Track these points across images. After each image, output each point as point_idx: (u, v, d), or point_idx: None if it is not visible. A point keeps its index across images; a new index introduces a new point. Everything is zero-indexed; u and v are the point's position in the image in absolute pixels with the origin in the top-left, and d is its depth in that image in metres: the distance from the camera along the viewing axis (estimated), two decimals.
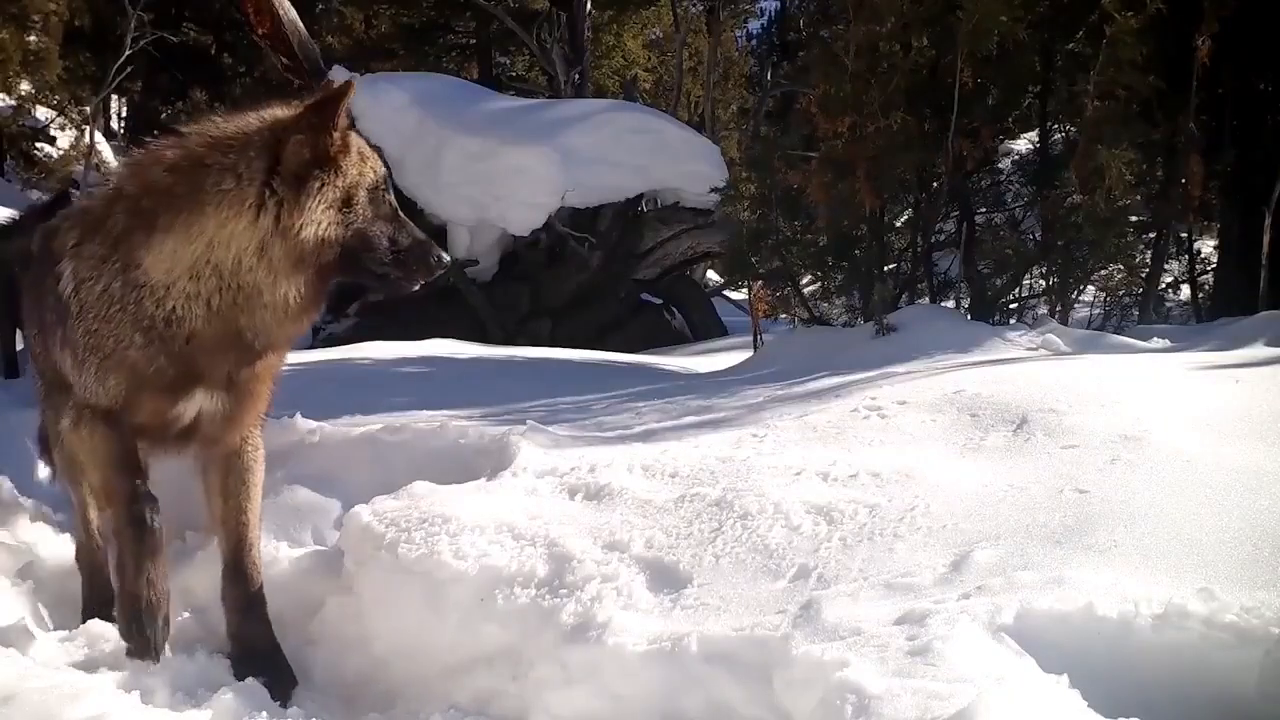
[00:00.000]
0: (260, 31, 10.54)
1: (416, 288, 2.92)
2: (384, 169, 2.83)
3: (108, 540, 3.12)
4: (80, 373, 2.77)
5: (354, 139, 2.75)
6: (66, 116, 16.03)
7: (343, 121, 2.67)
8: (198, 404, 2.79)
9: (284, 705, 2.78)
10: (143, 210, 2.65)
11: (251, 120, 2.70)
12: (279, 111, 2.72)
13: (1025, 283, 7.08)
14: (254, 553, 2.99)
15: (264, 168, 2.58)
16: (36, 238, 3.19)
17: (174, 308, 2.63)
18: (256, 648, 2.96)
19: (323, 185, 2.61)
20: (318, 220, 2.60)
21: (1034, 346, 5.51)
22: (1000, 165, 7.58)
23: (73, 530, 3.46)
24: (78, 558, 3.40)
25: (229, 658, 2.98)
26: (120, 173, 3.04)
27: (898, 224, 7.57)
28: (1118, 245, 6.62)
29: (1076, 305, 7.09)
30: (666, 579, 2.82)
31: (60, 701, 2.33)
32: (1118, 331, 6.48)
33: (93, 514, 3.27)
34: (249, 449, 3.00)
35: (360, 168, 2.72)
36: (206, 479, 3.04)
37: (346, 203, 2.66)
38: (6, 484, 4.08)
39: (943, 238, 7.24)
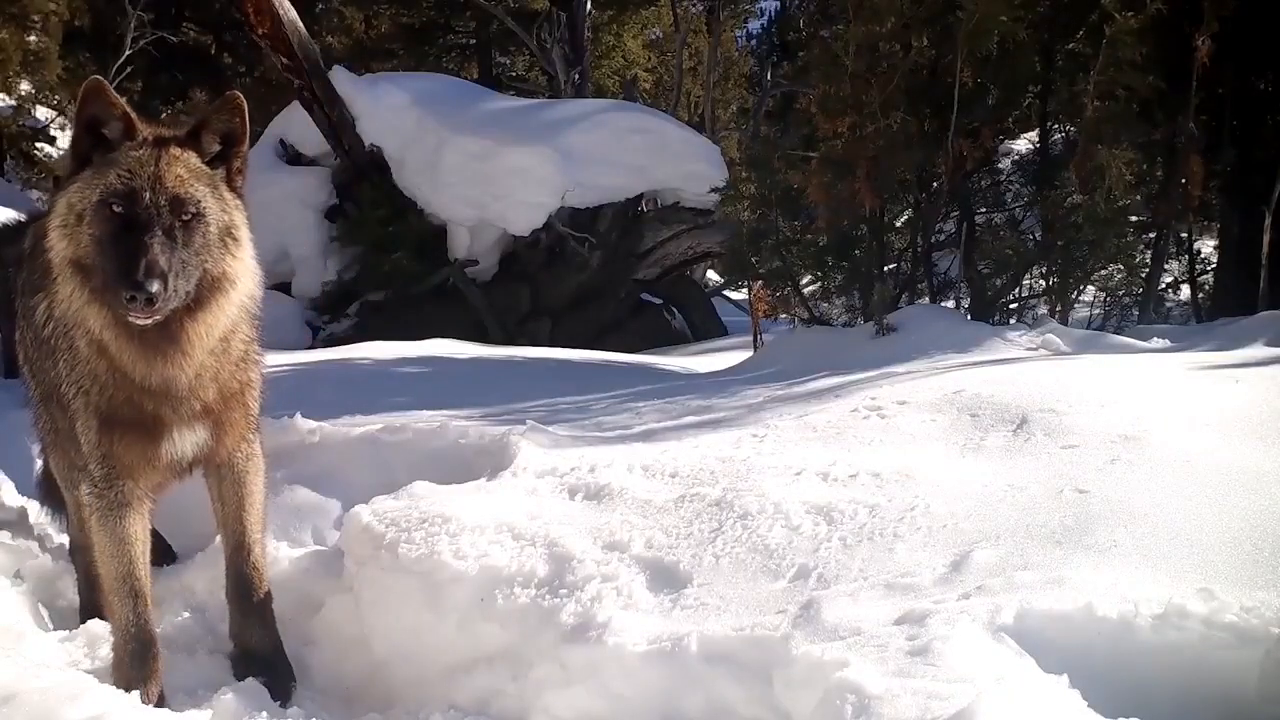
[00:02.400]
0: (260, 31, 10.52)
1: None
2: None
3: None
4: (72, 422, 2.72)
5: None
6: (66, 116, 16.02)
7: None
8: (186, 441, 2.75)
9: (284, 705, 2.78)
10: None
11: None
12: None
13: (1025, 283, 7.08)
14: (255, 555, 2.97)
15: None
16: (29, 236, 3.14)
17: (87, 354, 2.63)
18: (256, 648, 2.95)
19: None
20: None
21: (1034, 346, 5.51)
22: (1000, 165, 7.58)
23: (68, 530, 3.45)
24: (72, 557, 3.40)
25: (229, 657, 2.98)
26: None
27: (898, 224, 7.57)
28: (1118, 245, 6.62)
29: (1076, 305, 7.08)
30: (666, 579, 2.82)
31: (60, 701, 2.32)
32: (1118, 331, 6.48)
33: (88, 517, 3.24)
34: (240, 457, 2.96)
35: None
36: (208, 486, 3.03)
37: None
38: (7, 484, 4.08)
39: (943, 238, 7.24)
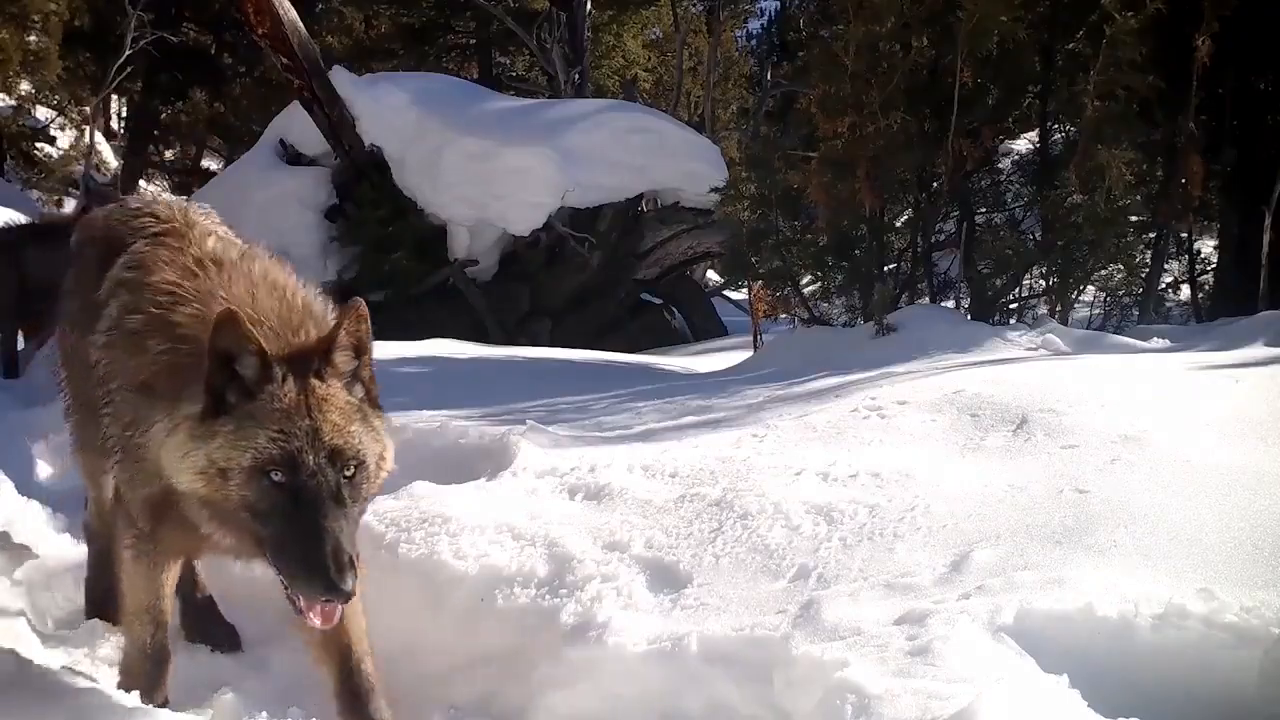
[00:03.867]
0: (260, 31, 10.52)
1: None
2: None
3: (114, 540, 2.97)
4: (114, 461, 2.58)
5: None
6: (66, 116, 16.03)
7: None
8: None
9: None
10: None
11: None
12: None
13: (1025, 283, 7.07)
14: (367, 668, 2.58)
15: None
16: (77, 233, 3.11)
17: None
18: None
19: None
20: None
21: (1034, 346, 5.51)
22: (1000, 165, 7.58)
23: (87, 517, 3.35)
24: (89, 540, 3.35)
25: None
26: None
27: (898, 224, 7.56)
28: (1118, 245, 6.62)
29: (1076, 305, 7.09)
30: (666, 579, 2.82)
31: (60, 701, 2.32)
32: (1118, 331, 6.48)
33: (122, 550, 2.99)
34: None
35: None
36: None
37: None
38: (7, 484, 4.08)
39: (943, 238, 7.24)
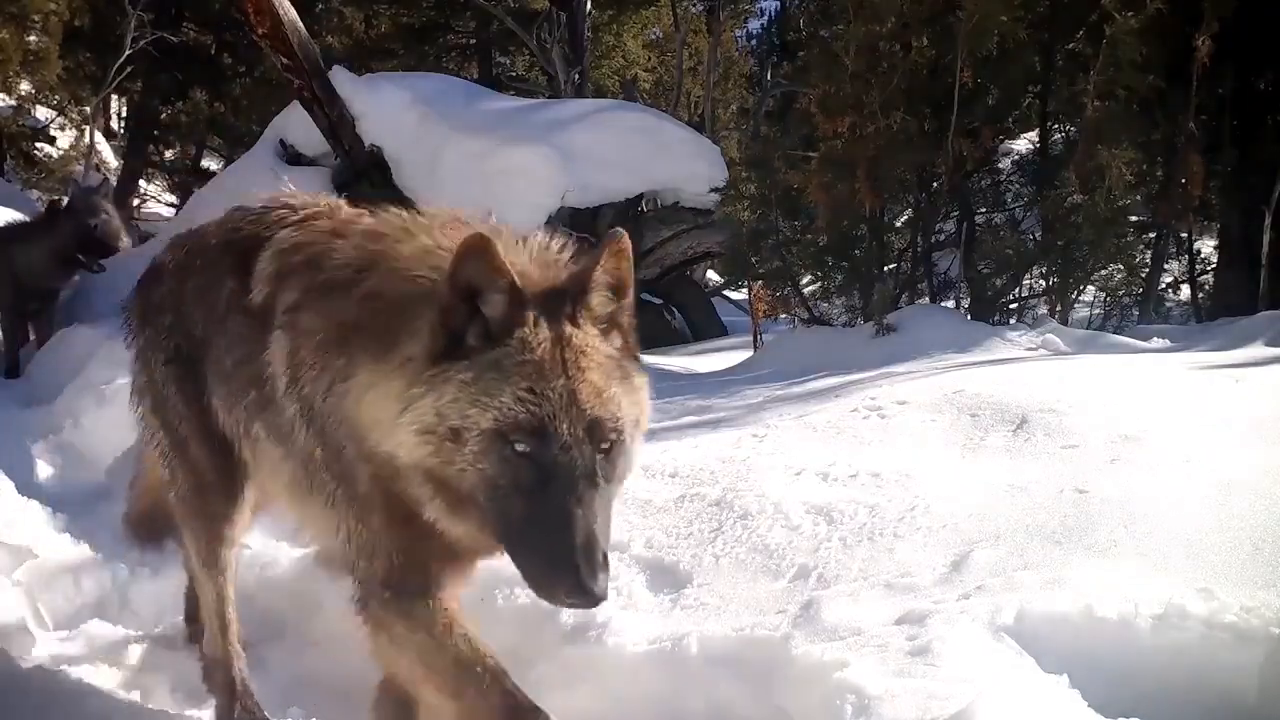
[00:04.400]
0: (260, 31, 10.51)
1: None
2: None
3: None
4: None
5: None
6: (66, 116, 16.02)
7: None
8: None
9: None
10: None
11: None
12: None
13: (1025, 283, 7.07)
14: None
15: None
16: (167, 254, 2.77)
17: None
18: None
19: None
20: None
21: (1034, 346, 5.51)
22: (1000, 165, 7.58)
23: (203, 641, 2.82)
24: (207, 674, 2.80)
25: None
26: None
27: (898, 224, 7.56)
28: (1118, 245, 6.62)
29: (1076, 305, 7.09)
30: (666, 579, 2.82)
31: (61, 701, 2.32)
32: (1118, 331, 6.47)
33: (231, 612, 2.71)
34: None
35: None
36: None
37: None
38: (7, 484, 4.07)
39: (943, 238, 7.24)
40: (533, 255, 2.04)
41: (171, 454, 2.67)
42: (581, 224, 11.88)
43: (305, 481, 2.23)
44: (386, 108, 11.65)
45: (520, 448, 1.80)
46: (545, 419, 1.80)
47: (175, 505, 2.71)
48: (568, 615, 2.66)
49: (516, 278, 1.85)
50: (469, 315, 1.86)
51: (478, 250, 1.82)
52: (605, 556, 1.78)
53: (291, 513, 2.54)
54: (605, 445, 1.84)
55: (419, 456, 1.87)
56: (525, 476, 1.80)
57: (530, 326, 1.85)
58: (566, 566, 1.74)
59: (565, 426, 1.81)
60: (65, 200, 7.71)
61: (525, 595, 2.79)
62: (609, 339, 1.94)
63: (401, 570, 2.06)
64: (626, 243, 1.94)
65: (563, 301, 1.90)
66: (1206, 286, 8.20)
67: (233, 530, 2.67)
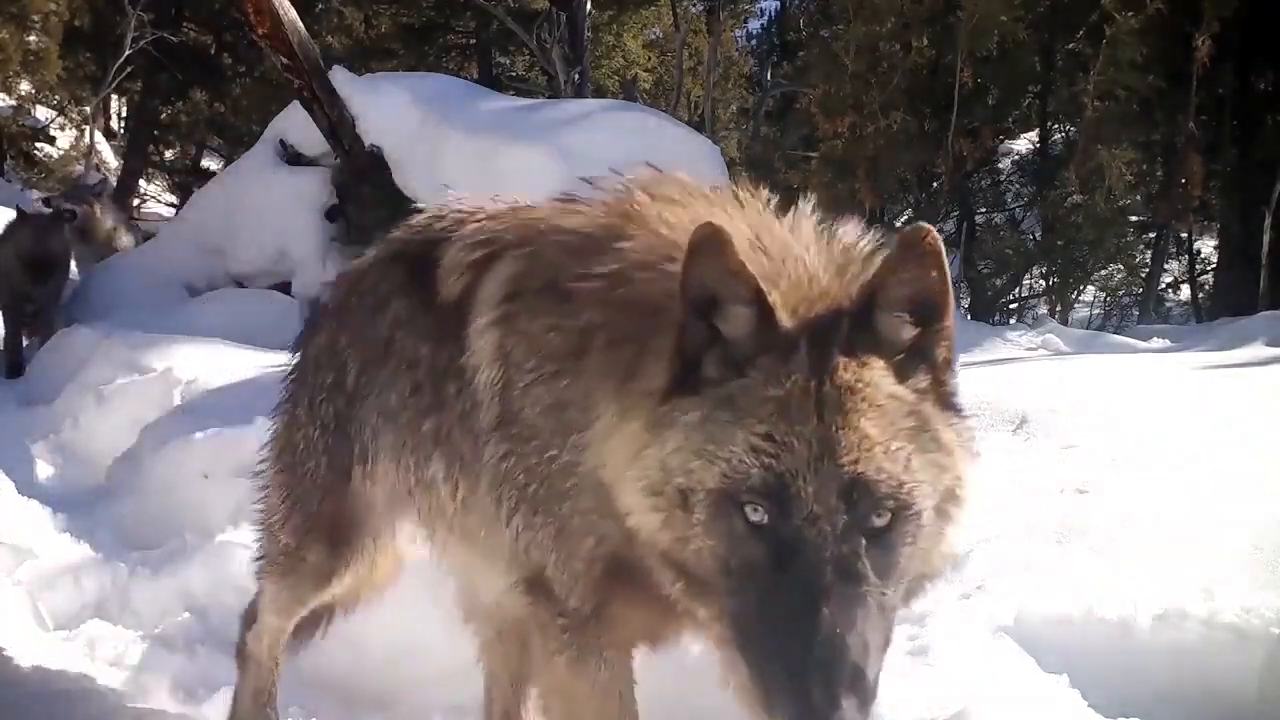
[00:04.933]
0: (260, 31, 10.51)
1: None
2: None
3: None
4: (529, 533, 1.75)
5: None
6: (66, 116, 16.02)
7: None
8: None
9: None
10: None
11: None
12: None
13: (1025, 283, 7.08)
14: None
15: None
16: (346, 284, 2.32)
17: None
18: None
19: None
20: None
21: (1034, 346, 5.51)
22: (1000, 165, 7.58)
23: (247, 640, 2.57)
24: (242, 664, 2.57)
25: None
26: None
27: (898, 224, 7.57)
28: (1118, 245, 6.64)
29: (1076, 305, 7.10)
30: None
31: (61, 701, 2.32)
32: (1118, 331, 6.48)
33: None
34: None
35: None
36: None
37: None
38: (7, 484, 4.08)
39: (943, 238, 7.24)
40: (811, 249, 1.58)
41: (291, 518, 2.32)
42: None
43: (492, 510, 1.82)
44: (386, 108, 11.65)
45: (753, 516, 1.36)
46: (785, 476, 1.34)
47: (265, 545, 2.44)
48: None
49: (765, 284, 1.40)
50: (707, 336, 1.43)
51: (709, 247, 1.39)
52: (858, 678, 1.30)
53: (453, 559, 2.22)
54: (876, 522, 1.35)
55: (650, 530, 1.46)
56: (759, 555, 1.35)
57: (782, 352, 1.39)
58: (791, 685, 1.28)
59: (811, 488, 1.33)
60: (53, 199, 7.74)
61: None
62: (906, 375, 1.42)
63: (602, 631, 1.74)
64: (936, 241, 1.39)
65: (836, 322, 1.41)
66: (1206, 286, 8.21)
67: (316, 599, 2.43)
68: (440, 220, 2.11)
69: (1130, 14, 5.98)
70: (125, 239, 10.24)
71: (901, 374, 1.43)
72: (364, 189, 11.68)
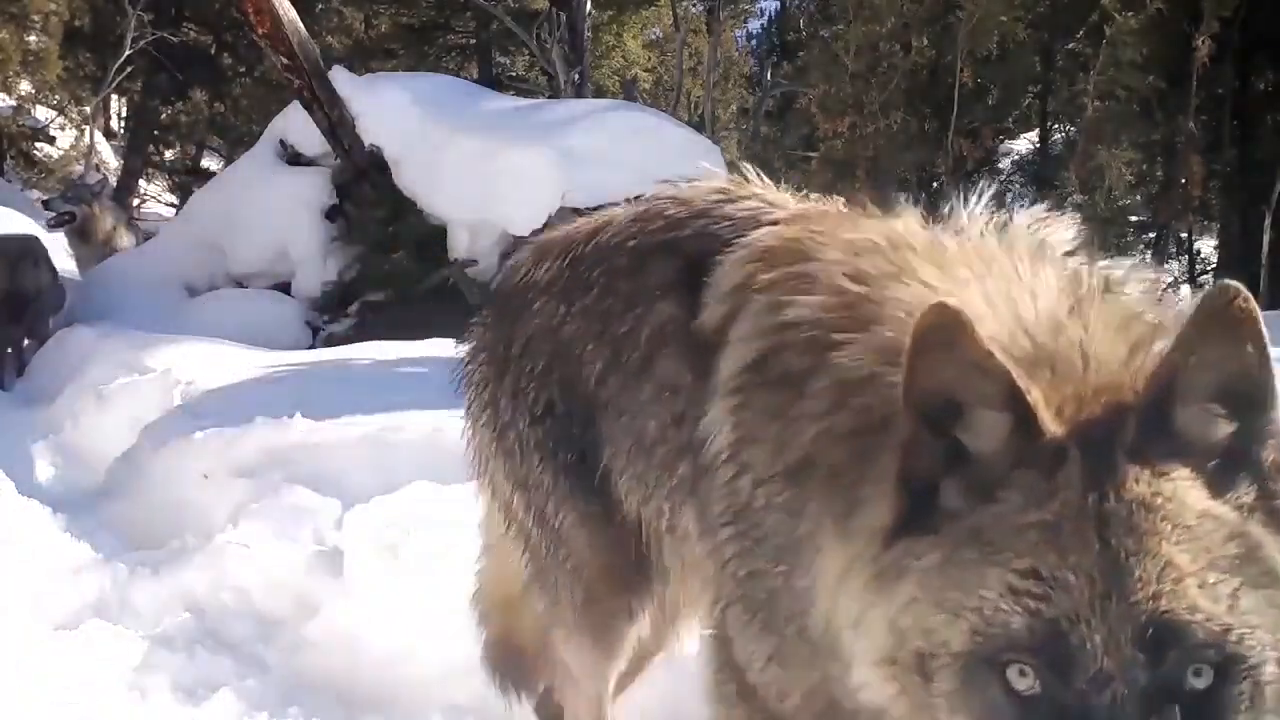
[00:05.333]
0: (260, 31, 10.53)
1: None
2: None
3: None
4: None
5: None
6: (66, 116, 16.03)
7: None
8: None
9: None
10: None
11: None
12: None
13: None
14: None
15: None
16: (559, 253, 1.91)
17: None
18: None
19: None
20: None
21: None
22: (1000, 165, 7.58)
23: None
24: None
25: None
26: None
27: None
28: (1118, 245, 6.63)
29: None
30: None
31: (62, 701, 2.32)
32: None
33: None
34: None
35: None
36: None
37: None
38: (7, 484, 4.08)
39: None
40: (1076, 318, 1.22)
41: (541, 550, 1.97)
42: None
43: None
44: (386, 108, 11.66)
45: (1019, 683, 1.04)
46: (1058, 622, 1.01)
47: (546, 619, 2.05)
48: None
49: (1021, 376, 1.08)
50: (944, 455, 1.12)
51: (942, 336, 1.07)
52: None
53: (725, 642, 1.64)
54: (1194, 683, 1.00)
55: (882, 702, 1.19)
56: None
57: (1047, 464, 1.07)
58: None
59: (1098, 636, 1.00)
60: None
61: None
62: (1222, 488, 1.08)
63: None
64: (1249, 305, 1.04)
65: (1120, 421, 1.09)
66: (1206, 286, 8.21)
67: (626, 657, 2.02)
68: (731, 203, 1.69)
69: (1130, 14, 5.99)
70: (125, 239, 10.25)
71: (1216, 486, 1.07)
72: (364, 189, 11.70)
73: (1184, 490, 1.07)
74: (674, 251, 1.70)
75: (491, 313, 2.12)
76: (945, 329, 1.07)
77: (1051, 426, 1.09)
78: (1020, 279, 1.30)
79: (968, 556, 1.08)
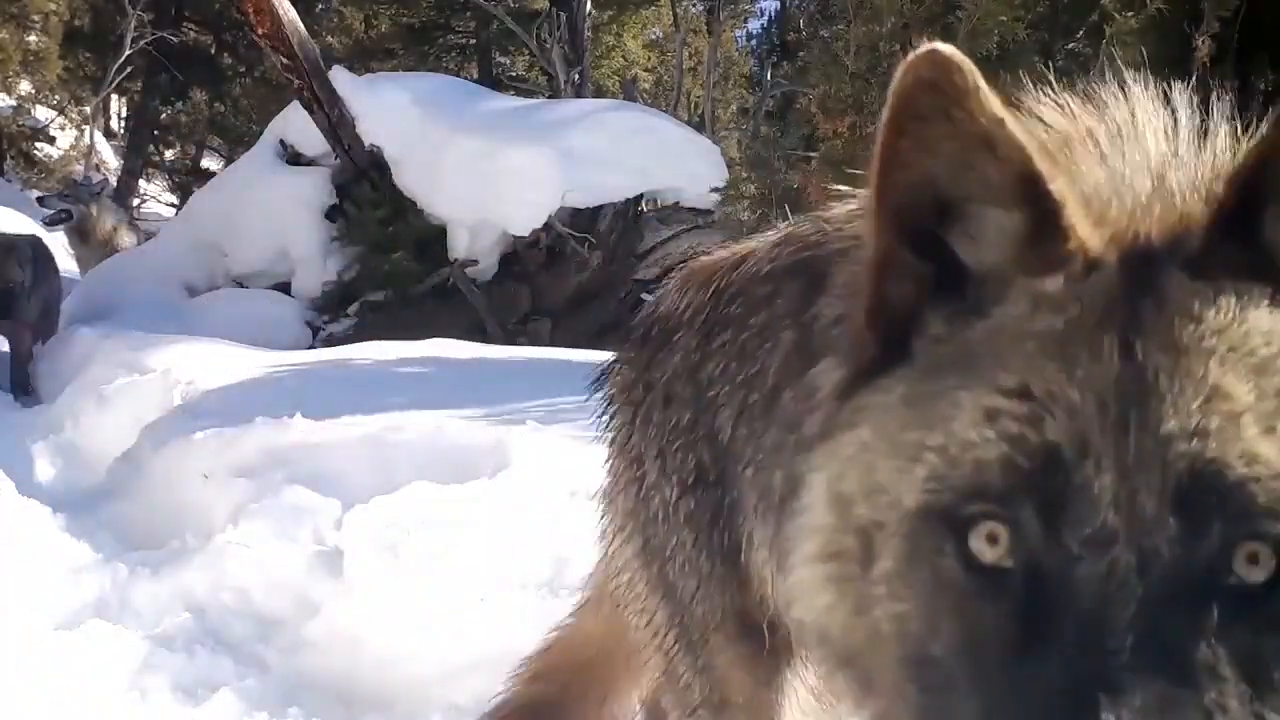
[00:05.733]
0: (260, 31, 10.54)
1: None
2: None
3: None
4: None
5: None
6: (66, 116, 16.05)
7: None
8: None
9: None
10: None
11: None
12: None
13: None
14: None
15: None
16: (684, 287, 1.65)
17: None
18: None
19: None
20: None
21: None
22: None
23: None
24: None
25: None
26: None
27: None
28: None
29: None
30: None
31: (62, 701, 2.33)
32: None
33: None
34: None
35: None
36: None
37: None
38: (7, 484, 4.08)
39: None
40: (1150, 129, 1.00)
41: (675, 644, 1.59)
42: (581, 224, 11.91)
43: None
44: (386, 108, 11.67)
45: (988, 551, 0.76)
46: (1054, 451, 0.75)
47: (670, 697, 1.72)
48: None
49: (1045, 162, 0.84)
50: (921, 275, 0.87)
51: (938, 101, 0.86)
52: None
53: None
54: (1246, 569, 0.72)
55: (815, 615, 0.91)
56: (989, 628, 0.75)
57: (1072, 270, 0.82)
58: None
59: (1108, 476, 0.73)
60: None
61: (525, 595, 2.78)
62: None
63: None
64: None
65: (1185, 233, 0.84)
66: None
67: None
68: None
69: (1130, 14, 5.99)
70: (125, 239, 10.27)
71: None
72: (364, 189, 11.71)
73: (1258, 311, 0.78)
74: (803, 272, 1.36)
75: (631, 348, 1.74)
76: (940, 87, 0.80)
77: (1083, 231, 0.81)
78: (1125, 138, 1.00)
79: (939, 385, 0.79)
